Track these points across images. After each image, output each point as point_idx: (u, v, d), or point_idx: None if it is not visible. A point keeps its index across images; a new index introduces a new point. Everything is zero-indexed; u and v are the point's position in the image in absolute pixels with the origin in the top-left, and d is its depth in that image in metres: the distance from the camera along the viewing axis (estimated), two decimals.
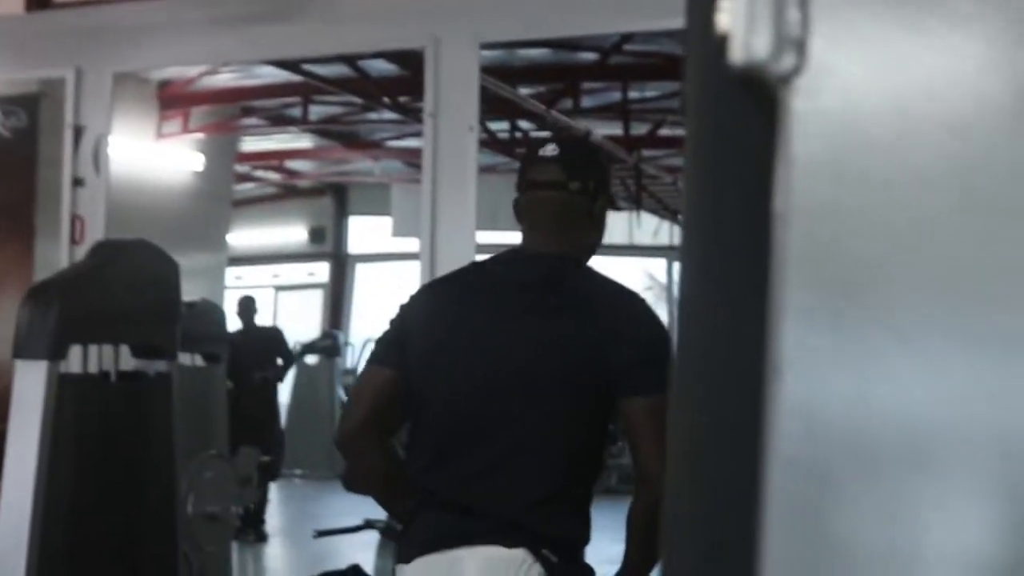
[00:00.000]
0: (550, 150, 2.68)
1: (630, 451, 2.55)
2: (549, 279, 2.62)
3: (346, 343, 12.09)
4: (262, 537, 8.06)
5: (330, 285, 12.59)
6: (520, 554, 2.48)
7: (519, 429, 2.54)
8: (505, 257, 2.70)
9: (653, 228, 10.99)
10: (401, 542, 2.71)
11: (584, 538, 2.57)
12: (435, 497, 2.57)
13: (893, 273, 0.61)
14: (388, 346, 2.66)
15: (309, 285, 12.74)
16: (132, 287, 3.29)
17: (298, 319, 12.50)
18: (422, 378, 2.60)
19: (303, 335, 11.77)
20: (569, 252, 2.65)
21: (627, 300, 2.64)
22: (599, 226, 2.71)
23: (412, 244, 12.50)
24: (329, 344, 11.71)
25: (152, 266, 3.34)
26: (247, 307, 8.92)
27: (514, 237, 2.76)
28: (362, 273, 12.66)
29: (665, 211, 10.71)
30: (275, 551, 8.23)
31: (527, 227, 2.69)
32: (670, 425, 0.77)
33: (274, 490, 7.90)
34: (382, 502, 2.91)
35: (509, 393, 2.55)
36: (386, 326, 2.71)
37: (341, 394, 11.62)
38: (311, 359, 11.69)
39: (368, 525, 5.92)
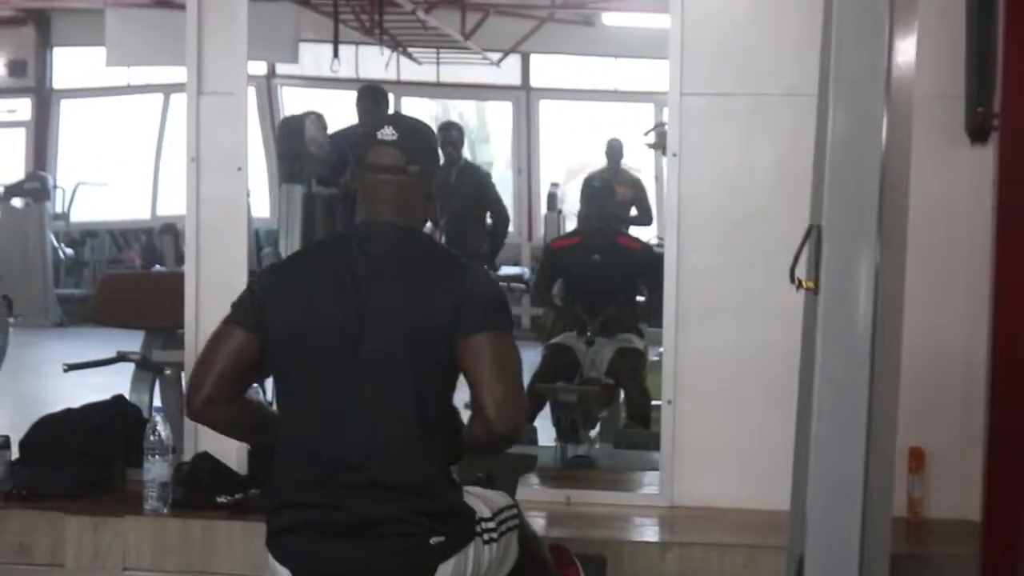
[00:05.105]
0: (388, 133, 2.77)
1: (469, 387, 2.66)
2: (400, 250, 2.74)
3: (55, 186, 11.37)
4: None
5: (33, 123, 11.76)
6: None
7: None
8: (357, 232, 2.80)
9: (384, 62, 10.68)
10: None
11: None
12: None
13: None
14: (244, 309, 2.75)
15: (9, 123, 11.88)
16: None
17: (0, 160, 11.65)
18: (285, 351, 2.70)
19: (6, 177, 10.91)
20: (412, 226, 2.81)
21: (463, 264, 2.79)
22: (431, 205, 2.86)
23: (126, 77, 11.75)
24: (37, 187, 10.99)
25: None
26: None
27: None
28: (69, 110, 11.86)
29: (396, 45, 10.43)
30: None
31: (367, 207, 2.79)
32: None
33: None
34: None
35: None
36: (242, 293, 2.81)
37: (52, 239, 10.96)
38: (17, 202, 10.91)
39: (122, 358, 5.57)
